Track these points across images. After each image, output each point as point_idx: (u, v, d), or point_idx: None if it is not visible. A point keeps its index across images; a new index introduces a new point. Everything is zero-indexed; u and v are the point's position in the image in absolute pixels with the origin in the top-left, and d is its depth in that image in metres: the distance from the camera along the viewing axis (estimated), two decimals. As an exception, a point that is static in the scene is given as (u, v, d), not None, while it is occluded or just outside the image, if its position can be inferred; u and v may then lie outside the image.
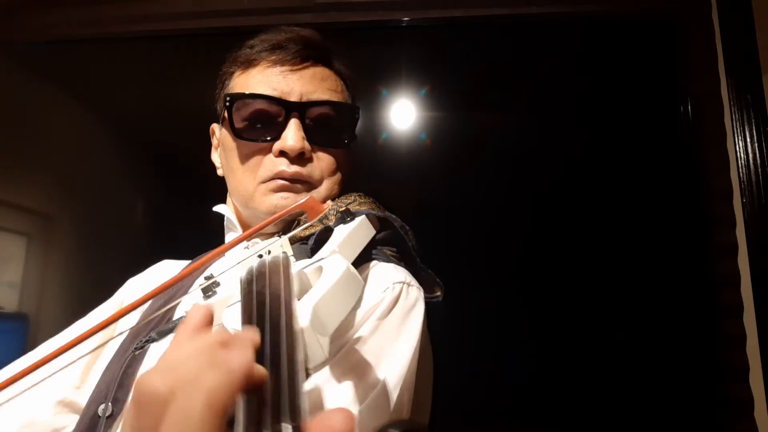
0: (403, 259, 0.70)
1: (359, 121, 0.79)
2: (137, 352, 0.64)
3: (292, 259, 0.46)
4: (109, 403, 0.59)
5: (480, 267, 1.31)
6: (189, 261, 0.84)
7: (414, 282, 0.65)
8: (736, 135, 1.28)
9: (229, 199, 0.80)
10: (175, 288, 0.74)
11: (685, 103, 1.33)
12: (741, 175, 1.26)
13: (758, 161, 1.26)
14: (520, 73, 1.42)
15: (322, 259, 0.48)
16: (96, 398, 0.62)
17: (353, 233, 0.54)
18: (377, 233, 0.64)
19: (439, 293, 0.70)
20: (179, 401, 0.28)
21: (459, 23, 1.43)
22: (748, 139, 1.28)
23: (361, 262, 0.59)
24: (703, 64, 1.32)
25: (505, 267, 1.31)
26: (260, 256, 0.47)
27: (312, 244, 0.60)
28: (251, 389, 0.30)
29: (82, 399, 0.66)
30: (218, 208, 0.79)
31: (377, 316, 0.57)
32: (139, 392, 0.29)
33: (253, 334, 0.34)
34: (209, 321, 0.36)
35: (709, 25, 1.34)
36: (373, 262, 0.66)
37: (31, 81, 1.57)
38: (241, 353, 0.31)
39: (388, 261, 0.67)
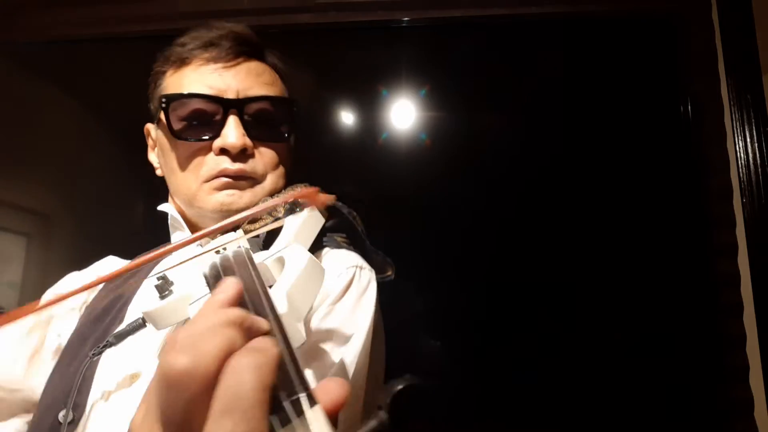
0: (353, 243, 0.71)
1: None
2: (95, 358, 0.63)
3: (245, 249, 0.47)
4: (70, 410, 0.59)
5: (480, 267, 1.31)
6: (130, 260, 0.83)
7: (366, 265, 0.67)
8: (736, 135, 1.28)
9: (171, 198, 0.79)
10: (122, 289, 0.74)
11: (685, 103, 1.33)
12: (741, 175, 1.26)
13: (758, 161, 1.26)
14: (520, 73, 1.42)
15: (280, 250, 0.50)
16: (52, 405, 0.62)
17: (305, 223, 0.56)
18: (326, 221, 0.66)
19: (390, 273, 0.72)
20: (230, 384, 0.29)
21: (459, 23, 1.43)
22: (748, 139, 1.28)
23: (314, 250, 0.59)
24: (703, 64, 1.32)
25: (506, 267, 1.30)
26: (217, 252, 0.47)
27: (264, 238, 0.61)
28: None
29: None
30: (163, 207, 0.78)
31: (332, 300, 0.60)
32: (170, 372, 0.29)
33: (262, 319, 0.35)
34: (240, 298, 0.36)
35: (709, 25, 1.34)
36: (325, 250, 0.68)
37: (31, 81, 1.57)
38: (267, 341, 0.32)
39: (339, 247, 0.68)
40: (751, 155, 1.27)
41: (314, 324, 0.59)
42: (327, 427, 0.30)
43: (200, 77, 0.71)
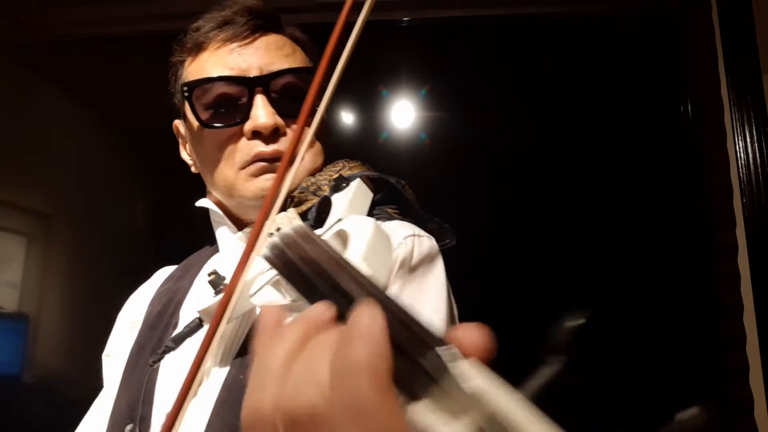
0: (405, 214, 0.67)
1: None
2: (155, 365, 0.61)
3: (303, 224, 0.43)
4: (137, 423, 0.57)
5: (480, 267, 1.31)
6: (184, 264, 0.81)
7: (422, 233, 0.62)
8: (736, 135, 1.28)
9: (209, 194, 0.75)
10: (172, 290, 0.71)
11: (685, 103, 1.33)
12: (741, 175, 1.26)
13: (758, 161, 1.26)
14: (520, 73, 1.42)
15: (338, 221, 0.46)
16: (118, 419, 0.60)
17: (354, 198, 0.53)
18: (375, 194, 0.63)
19: (450, 240, 0.67)
20: (338, 389, 0.24)
21: (459, 23, 1.43)
22: (748, 139, 1.28)
23: None
24: (703, 64, 1.32)
25: (505, 266, 1.30)
26: (270, 234, 0.44)
27: (313, 217, 0.57)
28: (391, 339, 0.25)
29: None
30: (201, 203, 0.74)
31: (399, 275, 0.55)
32: (252, 420, 0.26)
33: (324, 306, 0.29)
34: (282, 319, 0.31)
35: (709, 25, 1.34)
36: (377, 223, 0.65)
37: (31, 81, 1.57)
38: (364, 322, 0.25)
39: (391, 219, 0.64)
40: (751, 155, 1.27)
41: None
42: (492, 380, 0.25)
43: (220, 59, 0.67)
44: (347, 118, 1.43)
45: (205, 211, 0.74)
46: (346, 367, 0.24)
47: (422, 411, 0.24)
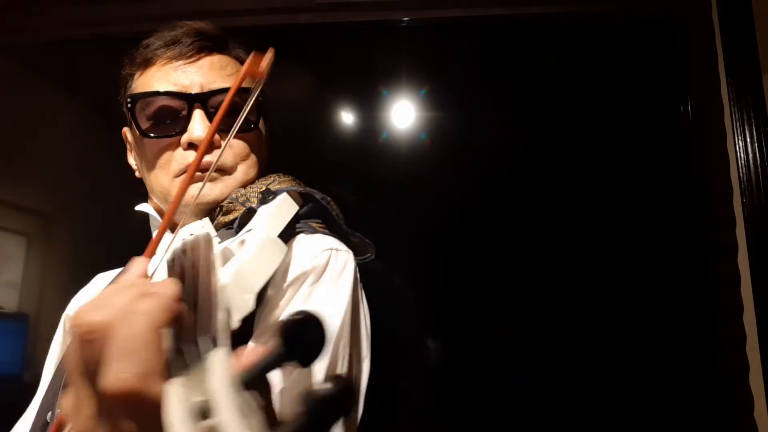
0: (329, 228, 0.71)
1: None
2: None
3: (215, 238, 0.48)
4: (57, 410, 0.61)
5: (480, 266, 1.31)
6: (121, 268, 0.84)
7: (342, 247, 0.67)
8: (736, 135, 1.28)
9: (149, 198, 0.81)
10: None
11: (685, 103, 1.33)
12: (741, 175, 1.26)
13: (758, 161, 1.26)
14: (520, 73, 1.42)
15: (244, 233, 0.51)
16: (44, 407, 0.64)
17: (276, 211, 0.56)
18: (300, 208, 0.67)
19: (370, 254, 0.72)
20: (122, 329, 0.31)
21: (459, 23, 1.43)
22: (748, 139, 1.28)
23: (288, 236, 0.60)
24: (703, 64, 1.32)
25: (505, 266, 1.30)
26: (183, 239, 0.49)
27: (237, 227, 0.62)
28: (177, 318, 0.34)
29: None
30: (141, 207, 0.80)
31: (309, 283, 0.60)
32: (79, 326, 0.33)
33: (174, 281, 0.37)
34: (145, 273, 0.41)
35: (709, 25, 1.34)
36: (300, 236, 0.68)
37: (31, 81, 1.57)
38: (166, 286, 0.35)
39: (315, 232, 0.69)
40: (751, 155, 1.27)
41: (294, 307, 0.59)
42: (225, 367, 0.31)
43: (165, 75, 0.73)
44: (347, 118, 1.43)
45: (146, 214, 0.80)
46: (135, 308, 0.32)
47: (177, 382, 0.31)
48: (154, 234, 0.77)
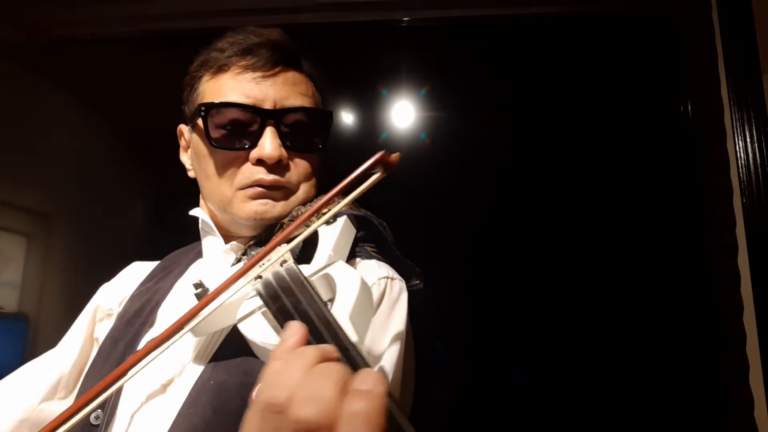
0: (382, 253, 0.72)
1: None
2: None
3: (297, 268, 0.47)
4: (106, 412, 0.60)
5: (480, 266, 1.31)
6: (158, 261, 0.84)
7: (396, 275, 0.68)
8: (736, 135, 1.28)
9: (203, 202, 0.79)
10: (152, 290, 0.75)
11: (685, 103, 1.33)
12: (741, 175, 1.26)
13: (758, 161, 1.26)
14: (520, 73, 1.42)
15: (326, 266, 0.51)
16: (84, 403, 0.63)
17: (340, 235, 0.56)
18: (357, 232, 0.67)
19: (418, 282, 0.73)
20: (346, 429, 0.33)
21: (459, 23, 1.43)
22: (748, 139, 1.28)
23: (347, 260, 0.60)
24: (703, 64, 1.32)
25: (505, 266, 1.30)
26: (261, 265, 0.48)
27: (299, 248, 0.61)
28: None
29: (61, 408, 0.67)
30: (194, 212, 0.79)
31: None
32: (279, 410, 0.35)
33: (332, 349, 0.39)
34: (305, 341, 0.41)
35: (709, 25, 1.34)
36: (357, 260, 0.68)
37: (31, 81, 1.57)
38: (374, 382, 0.35)
39: (370, 258, 0.69)
40: (751, 155, 1.27)
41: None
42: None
43: (238, 85, 0.72)
44: (347, 118, 1.43)
45: (195, 217, 0.79)
46: (357, 411, 0.33)
47: None
48: (204, 239, 0.78)
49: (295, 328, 0.41)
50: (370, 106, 1.41)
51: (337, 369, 0.36)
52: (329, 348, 0.38)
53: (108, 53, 1.55)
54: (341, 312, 0.44)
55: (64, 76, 1.57)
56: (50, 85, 1.57)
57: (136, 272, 0.84)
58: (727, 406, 1.17)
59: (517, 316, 1.28)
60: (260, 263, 0.47)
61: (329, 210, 0.59)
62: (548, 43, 1.42)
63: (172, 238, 0.91)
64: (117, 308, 0.77)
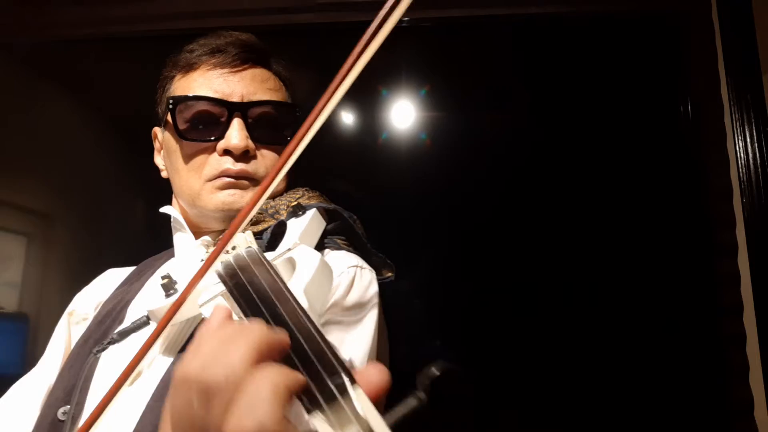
0: (353, 246, 0.73)
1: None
2: (99, 354, 0.65)
3: (258, 249, 0.48)
4: (72, 406, 0.60)
5: (480, 267, 1.31)
6: (133, 267, 0.85)
7: (366, 265, 0.69)
8: (736, 135, 1.28)
9: (174, 200, 0.81)
10: (125, 292, 0.76)
11: (685, 103, 1.33)
12: (741, 175, 1.26)
13: (758, 161, 1.26)
14: (521, 73, 1.42)
15: (289, 250, 0.52)
16: (54, 403, 0.63)
17: (308, 226, 0.58)
18: (327, 224, 0.69)
19: (390, 274, 0.74)
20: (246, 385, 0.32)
21: (459, 23, 1.43)
22: (748, 139, 1.28)
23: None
24: (703, 64, 1.32)
25: (505, 267, 1.30)
26: (226, 252, 0.48)
27: (267, 238, 0.63)
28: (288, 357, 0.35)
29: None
30: (165, 209, 0.80)
31: (335, 300, 0.61)
32: (187, 380, 0.34)
33: (260, 324, 0.37)
34: (229, 316, 0.40)
35: (709, 25, 1.34)
36: (326, 251, 0.69)
37: (32, 81, 1.57)
38: (254, 328, 0.35)
39: (340, 249, 0.70)
40: (751, 155, 1.27)
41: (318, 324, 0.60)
42: (372, 407, 0.32)
43: (207, 81, 0.74)
44: (347, 118, 1.43)
45: (168, 216, 0.80)
46: (263, 376, 0.32)
47: (319, 419, 0.32)
48: (175, 236, 0.79)
49: (222, 307, 0.41)
50: (370, 106, 1.41)
51: (252, 334, 0.34)
52: (255, 323, 0.37)
53: (108, 53, 1.55)
54: (297, 284, 0.45)
55: (65, 76, 1.57)
56: (50, 85, 1.57)
57: (112, 278, 0.85)
58: (727, 406, 1.17)
59: (517, 316, 1.27)
60: (225, 250, 0.48)
61: (297, 203, 0.61)
62: (548, 43, 1.41)
63: (172, 237, 0.90)
64: (93, 312, 0.78)
